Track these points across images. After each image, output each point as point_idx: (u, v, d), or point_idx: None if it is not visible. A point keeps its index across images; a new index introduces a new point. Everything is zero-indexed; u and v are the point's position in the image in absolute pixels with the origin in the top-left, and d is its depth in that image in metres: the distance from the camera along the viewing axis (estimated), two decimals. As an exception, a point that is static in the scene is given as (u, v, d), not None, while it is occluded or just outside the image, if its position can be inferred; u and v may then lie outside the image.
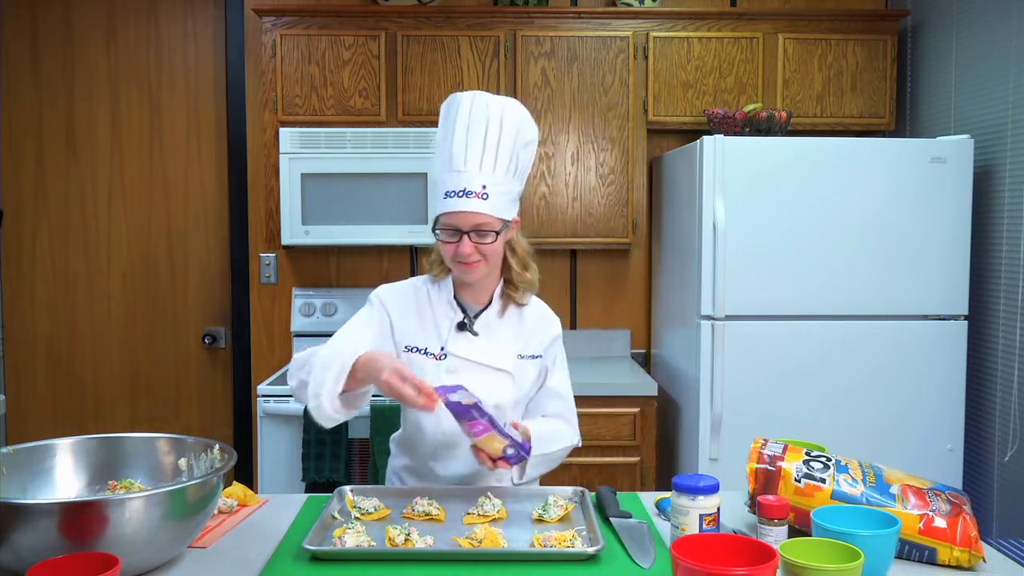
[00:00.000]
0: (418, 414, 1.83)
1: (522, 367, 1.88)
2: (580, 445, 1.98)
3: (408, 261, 3.62)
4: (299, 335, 3.53)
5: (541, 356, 1.92)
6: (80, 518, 1.27)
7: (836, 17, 3.35)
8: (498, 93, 3.25)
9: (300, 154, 3.16)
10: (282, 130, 3.18)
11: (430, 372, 1.83)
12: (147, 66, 3.61)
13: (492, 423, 1.65)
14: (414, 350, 1.85)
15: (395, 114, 3.28)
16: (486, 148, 1.75)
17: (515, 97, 3.28)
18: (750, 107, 3.06)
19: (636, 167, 3.35)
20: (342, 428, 2.89)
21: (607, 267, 3.66)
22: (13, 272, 3.63)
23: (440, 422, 1.82)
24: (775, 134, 3.03)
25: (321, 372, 1.65)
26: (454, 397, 1.62)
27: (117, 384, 3.68)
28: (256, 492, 2.21)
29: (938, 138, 2.91)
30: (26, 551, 1.26)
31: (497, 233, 1.76)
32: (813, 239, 2.87)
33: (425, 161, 3.15)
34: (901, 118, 3.48)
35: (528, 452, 1.72)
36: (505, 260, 1.86)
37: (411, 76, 3.27)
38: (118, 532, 1.29)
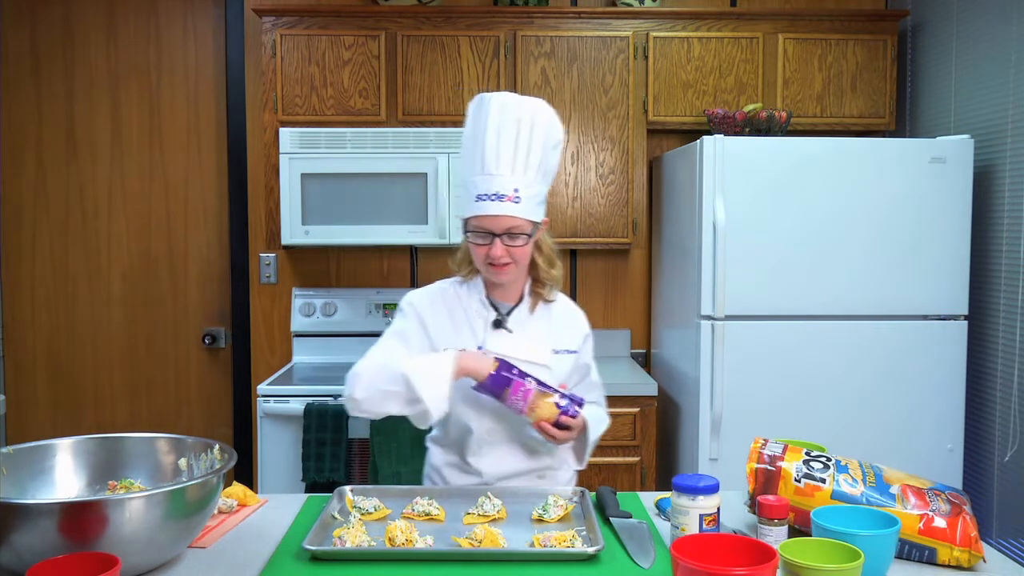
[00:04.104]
0: (461, 413, 1.87)
1: (557, 361, 1.92)
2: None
3: (408, 261, 3.62)
4: (299, 335, 3.53)
5: (577, 352, 1.97)
6: (80, 518, 1.27)
7: (836, 17, 3.35)
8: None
9: (300, 154, 3.16)
10: (282, 130, 3.18)
11: None
12: (147, 65, 3.61)
13: (533, 380, 1.71)
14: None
15: (395, 114, 3.28)
16: (517, 151, 1.78)
17: (515, 97, 3.28)
18: (750, 107, 3.06)
19: (636, 167, 3.35)
20: (342, 428, 2.89)
21: (607, 267, 3.66)
22: (13, 272, 3.63)
23: (484, 421, 1.87)
24: (775, 134, 3.03)
25: (431, 380, 1.70)
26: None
27: (117, 384, 3.68)
28: (256, 492, 2.21)
29: (938, 138, 2.91)
30: (26, 551, 1.26)
31: (528, 236, 1.81)
32: (813, 239, 2.87)
33: (425, 161, 3.15)
34: (901, 118, 3.48)
35: (581, 402, 1.78)
36: (532, 258, 1.90)
37: (411, 76, 3.27)
38: (118, 532, 1.29)
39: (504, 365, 1.73)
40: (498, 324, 1.89)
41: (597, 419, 1.92)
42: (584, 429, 1.85)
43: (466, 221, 1.82)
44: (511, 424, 1.87)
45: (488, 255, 1.79)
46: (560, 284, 1.96)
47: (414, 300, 1.93)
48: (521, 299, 1.93)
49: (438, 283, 1.97)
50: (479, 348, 1.87)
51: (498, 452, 1.90)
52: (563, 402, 1.74)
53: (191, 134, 3.64)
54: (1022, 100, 2.78)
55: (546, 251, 1.92)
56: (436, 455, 1.99)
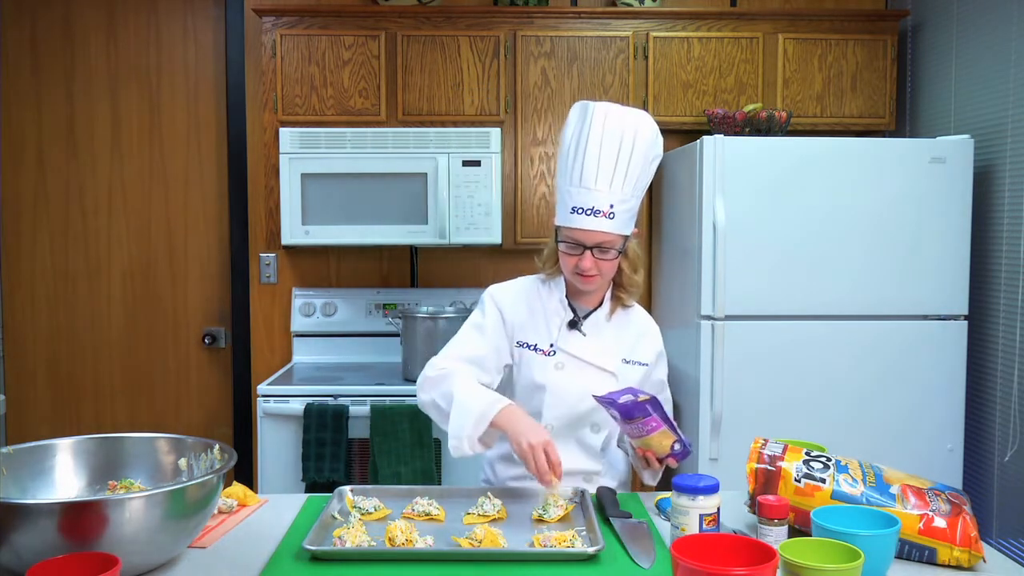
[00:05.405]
0: (534, 400, 1.89)
1: (625, 370, 1.92)
2: None
3: (408, 261, 3.61)
4: (299, 335, 3.53)
5: (648, 365, 1.96)
6: (80, 518, 1.27)
7: (836, 17, 3.35)
8: (498, 93, 3.28)
9: (300, 154, 3.16)
10: (282, 130, 3.18)
11: (538, 368, 1.89)
12: (147, 66, 3.61)
13: (665, 419, 1.69)
14: (524, 345, 1.91)
15: (395, 114, 3.28)
16: (617, 167, 1.77)
17: (515, 97, 3.29)
18: (750, 107, 3.06)
19: (636, 167, 3.34)
20: (342, 428, 2.89)
21: (607, 267, 3.65)
22: (13, 272, 3.63)
23: (553, 413, 1.88)
24: (775, 134, 3.03)
25: (461, 417, 1.72)
26: (624, 399, 1.66)
27: (117, 384, 3.68)
28: (256, 492, 2.21)
29: (938, 138, 2.91)
30: (26, 551, 1.26)
31: (618, 251, 1.82)
32: (813, 239, 2.87)
33: (425, 161, 3.16)
34: (901, 118, 3.48)
35: (690, 448, 1.76)
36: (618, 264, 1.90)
37: (411, 76, 3.27)
38: (118, 532, 1.29)
39: (654, 401, 1.67)
40: (573, 325, 1.90)
41: None
42: None
43: (558, 228, 1.84)
44: (577, 424, 1.88)
45: (577, 266, 1.81)
46: (641, 290, 1.97)
47: (495, 294, 1.96)
48: (601, 304, 1.94)
49: (521, 279, 1.99)
50: (551, 345, 1.89)
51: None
52: (677, 447, 1.73)
53: (191, 134, 3.64)
54: (1022, 100, 2.78)
55: (631, 257, 1.92)
56: (494, 448, 2.01)
